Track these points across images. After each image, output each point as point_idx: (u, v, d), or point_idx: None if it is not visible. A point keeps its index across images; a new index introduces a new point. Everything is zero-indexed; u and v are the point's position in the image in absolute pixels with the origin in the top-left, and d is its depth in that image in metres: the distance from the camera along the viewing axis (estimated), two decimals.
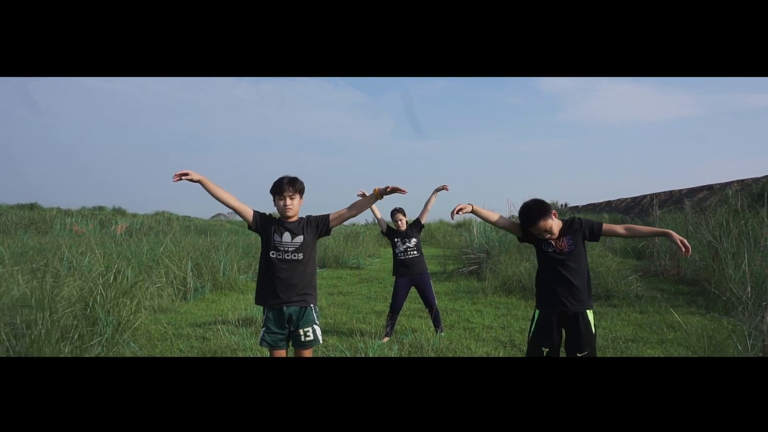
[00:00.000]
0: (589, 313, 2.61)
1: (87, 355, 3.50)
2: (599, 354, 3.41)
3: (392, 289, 4.85)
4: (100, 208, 27.27)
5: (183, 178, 2.50)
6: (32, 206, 26.10)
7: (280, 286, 2.65)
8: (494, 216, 2.80)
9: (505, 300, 6.56)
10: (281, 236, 2.71)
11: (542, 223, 2.61)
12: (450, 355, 4.03)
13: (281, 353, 2.70)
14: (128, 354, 3.91)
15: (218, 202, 2.66)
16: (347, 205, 2.80)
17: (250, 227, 2.77)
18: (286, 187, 2.69)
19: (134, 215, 26.39)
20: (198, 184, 2.58)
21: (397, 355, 3.93)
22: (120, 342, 4.06)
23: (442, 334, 4.75)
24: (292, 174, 2.74)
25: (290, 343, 2.74)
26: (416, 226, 4.80)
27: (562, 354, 2.68)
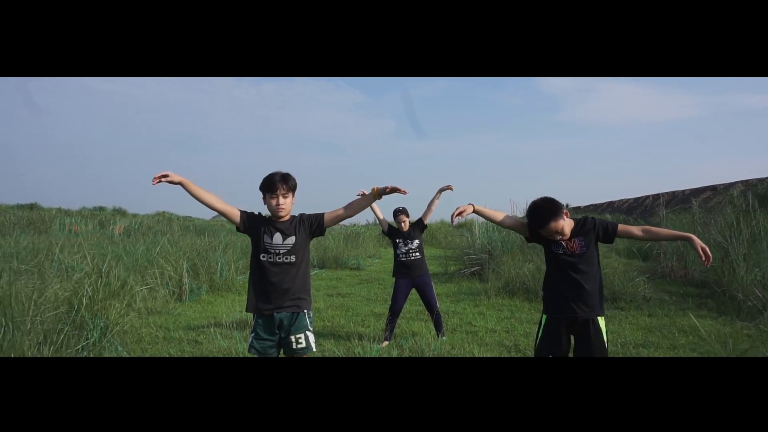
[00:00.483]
0: (601, 320, 2.43)
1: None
2: None
3: (392, 291, 4.67)
4: (101, 209, 27.24)
5: (163, 180, 2.33)
6: (32, 206, 26.06)
7: (272, 291, 2.48)
8: (499, 215, 2.60)
9: (509, 302, 6.37)
10: (272, 237, 2.54)
11: (553, 225, 2.42)
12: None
13: None
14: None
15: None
16: (344, 205, 2.63)
17: (238, 229, 2.59)
18: (279, 185, 2.50)
19: (135, 215, 26.32)
20: (180, 186, 2.42)
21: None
22: (107, 346, 3.89)
23: (444, 338, 4.57)
24: (291, 173, 2.57)
25: (281, 351, 2.57)
26: (419, 226, 4.63)
27: None
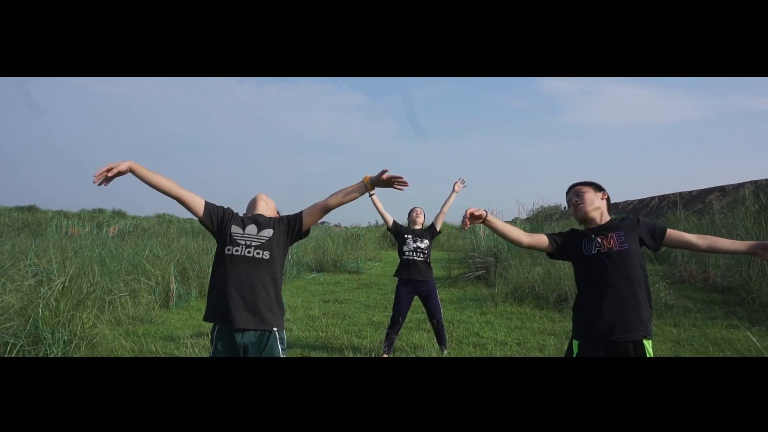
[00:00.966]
0: (647, 344, 1.92)
1: None
2: None
3: (393, 298, 4.20)
4: (100, 211, 27.03)
5: (108, 175, 1.93)
6: (30, 208, 25.82)
7: (234, 296, 2.01)
8: (513, 232, 2.10)
9: (518, 310, 5.91)
10: (243, 228, 2.12)
11: (581, 188, 2.11)
12: None
13: None
14: None
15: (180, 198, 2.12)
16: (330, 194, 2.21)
17: (201, 221, 2.15)
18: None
19: (134, 217, 26.06)
20: (131, 175, 2.05)
21: None
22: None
23: (447, 352, 4.10)
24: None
25: None
26: (430, 232, 4.19)
27: None
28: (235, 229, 2.12)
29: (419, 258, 4.06)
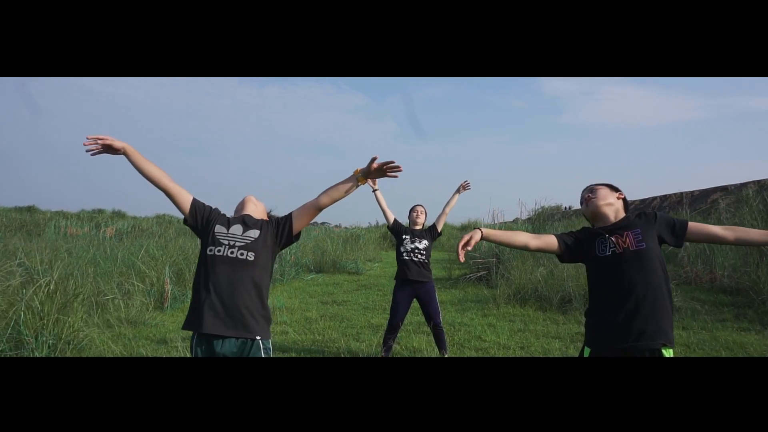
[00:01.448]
0: (667, 353, 1.75)
1: None
2: None
3: (391, 301, 4.05)
4: (99, 211, 26.94)
5: (99, 142, 1.91)
6: (30, 209, 25.71)
7: (214, 300, 1.86)
8: (519, 237, 1.93)
9: (521, 312, 5.75)
10: (228, 228, 1.99)
11: (595, 186, 1.98)
12: None
13: None
14: None
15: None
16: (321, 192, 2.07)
17: (185, 221, 2.02)
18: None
19: (134, 218, 25.95)
20: (123, 156, 2.01)
21: None
22: None
23: (447, 356, 3.95)
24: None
25: None
26: (431, 232, 4.03)
27: None
28: (219, 228, 1.98)
29: (417, 259, 3.90)
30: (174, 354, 4.13)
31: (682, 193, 20.40)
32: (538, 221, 10.53)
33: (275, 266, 8.98)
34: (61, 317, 3.52)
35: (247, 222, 2.03)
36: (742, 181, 16.36)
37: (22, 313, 3.21)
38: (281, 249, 2.08)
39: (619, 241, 1.83)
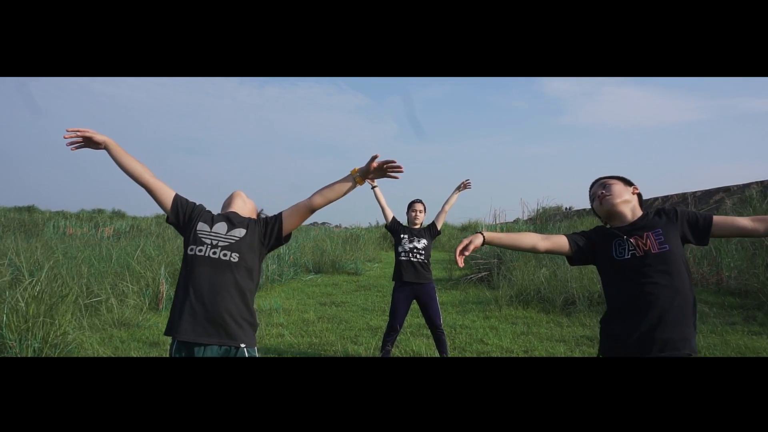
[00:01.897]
0: None
1: None
2: None
3: (390, 302, 3.91)
4: (99, 211, 26.84)
5: (79, 134, 1.83)
6: (29, 209, 25.62)
7: (194, 304, 1.73)
8: (526, 239, 1.78)
9: (523, 314, 5.62)
10: (211, 225, 1.85)
11: (607, 180, 1.81)
12: None
13: None
14: None
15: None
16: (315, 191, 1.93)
17: (167, 218, 1.90)
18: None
19: (134, 218, 25.85)
20: (104, 151, 1.91)
21: None
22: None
23: None
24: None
25: None
26: (430, 231, 3.89)
27: None
28: (202, 226, 1.85)
29: (415, 259, 3.76)
30: (165, 356, 4.00)
31: (685, 194, 20.26)
32: (540, 221, 10.41)
33: (274, 266, 8.94)
34: (47, 320, 3.39)
35: (232, 220, 1.89)
36: (745, 182, 16.22)
37: (5, 315, 3.07)
38: (269, 251, 1.94)
39: (639, 242, 1.67)
